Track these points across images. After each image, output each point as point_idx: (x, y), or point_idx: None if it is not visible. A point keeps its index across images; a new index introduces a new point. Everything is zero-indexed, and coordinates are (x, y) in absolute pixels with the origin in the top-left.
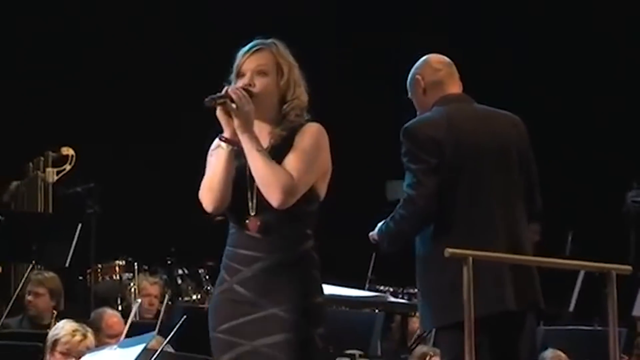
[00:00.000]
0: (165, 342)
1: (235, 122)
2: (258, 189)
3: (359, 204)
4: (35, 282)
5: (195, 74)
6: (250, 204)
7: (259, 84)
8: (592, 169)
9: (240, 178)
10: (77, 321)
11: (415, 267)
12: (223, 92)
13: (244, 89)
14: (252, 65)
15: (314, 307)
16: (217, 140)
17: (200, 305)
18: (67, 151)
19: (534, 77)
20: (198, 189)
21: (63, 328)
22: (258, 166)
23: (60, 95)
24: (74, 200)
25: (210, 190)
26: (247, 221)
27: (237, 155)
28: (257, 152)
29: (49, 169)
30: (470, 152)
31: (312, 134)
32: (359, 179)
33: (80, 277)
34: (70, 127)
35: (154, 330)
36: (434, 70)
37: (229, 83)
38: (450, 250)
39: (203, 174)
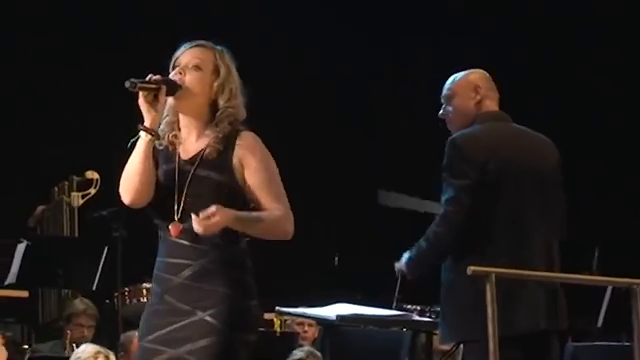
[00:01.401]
0: None
1: (236, 224)
2: (187, 195)
3: (385, 223)
4: (91, 315)
5: None
6: (175, 208)
7: (190, 77)
8: (619, 184)
9: (167, 183)
10: (105, 345)
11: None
12: (148, 78)
13: (165, 80)
14: (189, 57)
15: (241, 312)
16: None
17: None
18: (92, 175)
19: (561, 92)
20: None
21: (84, 351)
22: (258, 232)
23: (85, 119)
24: (99, 224)
25: (126, 180)
26: (169, 226)
27: (166, 159)
28: (252, 224)
29: (74, 193)
30: (511, 172)
31: (256, 147)
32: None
33: (108, 301)
34: (94, 151)
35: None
36: (475, 87)
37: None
38: (473, 267)
39: None
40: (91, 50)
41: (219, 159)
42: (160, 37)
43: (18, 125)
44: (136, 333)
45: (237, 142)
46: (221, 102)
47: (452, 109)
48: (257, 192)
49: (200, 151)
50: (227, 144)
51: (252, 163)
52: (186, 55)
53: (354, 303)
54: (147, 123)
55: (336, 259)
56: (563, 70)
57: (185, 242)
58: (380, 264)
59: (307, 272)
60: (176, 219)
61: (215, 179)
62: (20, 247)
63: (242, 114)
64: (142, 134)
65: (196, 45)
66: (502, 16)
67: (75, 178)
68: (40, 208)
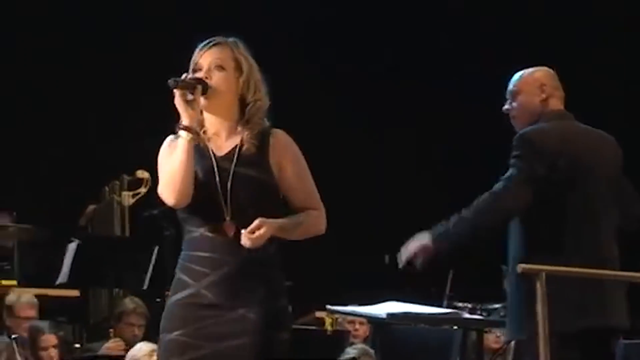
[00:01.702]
0: None
1: (280, 233)
2: (232, 192)
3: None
4: (141, 314)
5: None
6: (225, 208)
7: (216, 77)
8: None
9: (207, 180)
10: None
11: (491, 282)
12: (184, 77)
13: (199, 79)
14: (210, 59)
15: (279, 311)
16: (166, 141)
17: None
18: (143, 174)
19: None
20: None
21: (141, 350)
22: (297, 236)
23: (135, 119)
24: (150, 223)
25: (172, 183)
26: (223, 225)
27: (201, 155)
28: (293, 230)
29: (125, 193)
30: (581, 169)
31: (291, 147)
32: (436, 195)
33: (158, 299)
34: (145, 150)
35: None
36: (541, 84)
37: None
38: (523, 266)
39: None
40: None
41: (257, 156)
42: (160, 37)
43: (70, 125)
44: None
45: (271, 140)
46: (249, 97)
47: (517, 105)
48: (292, 192)
49: (234, 148)
50: (261, 141)
51: (288, 162)
52: (206, 57)
53: (405, 301)
54: (186, 122)
55: (387, 257)
56: (563, 70)
57: (228, 239)
58: (432, 263)
59: (359, 270)
60: (227, 218)
61: (257, 176)
62: (72, 247)
63: (266, 102)
64: (182, 133)
65: (213, 45)
66: (502, 16)
67: (126, 177)
68: (91, 207)
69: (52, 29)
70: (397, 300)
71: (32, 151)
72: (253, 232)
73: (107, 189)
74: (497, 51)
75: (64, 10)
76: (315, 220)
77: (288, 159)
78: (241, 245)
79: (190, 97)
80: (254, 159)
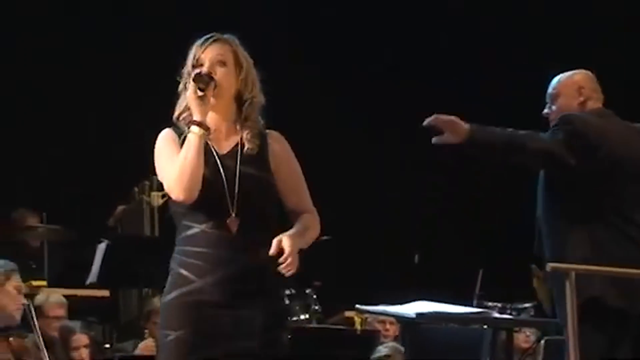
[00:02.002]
0: None
1: (300, 243)
2: (238, 189)
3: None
4: None
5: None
6: (230, 205)
7: (220, 73)
8: None
9: (212, 177)
10: None
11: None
12: (200, 72)
13: (207, 75)
14: (212, 54)
15: (284, 310)
16: (165, 132)
17: (308, 326)
18: None
19: None
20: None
21: None
22: (307, 242)
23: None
24: None
25: (183, 179)
26: (226, 222)
27: (205, 151)
28: (305, 238)
29: (154, 193)
30: (619, 163)
31: (288, 150)
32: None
33: None
34: None
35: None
36: (579, 87)
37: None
38: (552, 265)
39: None
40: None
41: (258, 156)
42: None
43: (98, 125)
44: None
45: (269, 141)
46: (246, 94)
47: (555, 108)
48: (287, 193)
49: (236, 146)
50: (260, 141)
51: (286, 165)
52: (208, 53)
53: (434, 301)
54: (198, 117)
55: (416, 257)
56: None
57: (232, 236)
58: (462, 262)
59: (388, 270)
60: (233, 214)
61: (261, 175)
62: (101, 247)
63: (262, 99)
64: (194, 128)
65: (214, 41)
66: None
67: (155, 178)
68: (120, 208)
69: (52, 29)
70: (427, 299)
71: (61, 152)
72: (284, 258)
73: (136, 189)
74: (497, 51)
75: (64, 10)
76: (315, 224)
77: (284, 160)
78: (245, 243)
79: (200, 92)
80: (256, 158)
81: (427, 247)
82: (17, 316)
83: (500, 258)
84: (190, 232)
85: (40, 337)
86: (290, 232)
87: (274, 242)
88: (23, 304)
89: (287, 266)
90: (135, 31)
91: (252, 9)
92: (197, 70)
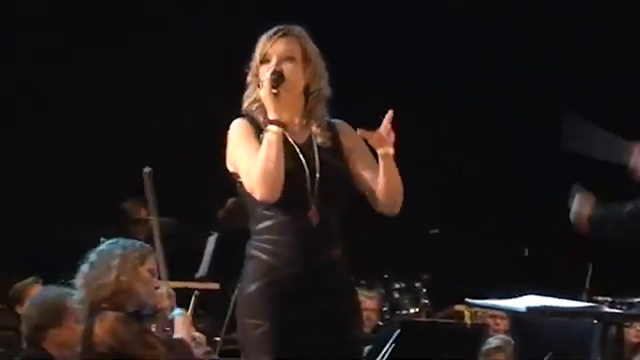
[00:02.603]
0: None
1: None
2: (319, 181)
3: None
4: None
5: None
6: (311, 196)
7: (287, 69)
8: None
9: (294, 168)
10: None
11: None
12: (270, 74)
13: (277, 72)
14: (280, 49)
15: (360, 307)
16: (239, 122)
17: (418, 319)
18: None
19: None
20: (412, 207)
21: None
22: (396, 175)
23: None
24: None
25: (268, 176)
26: (308, 213)
27: (283, 144)
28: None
29: None
30: None
31: (355, 133)
32: None
33: None
34: None
35: (370, 344)
36: None
37: (249, 70)
38: None
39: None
40: None
41: (333, 147)
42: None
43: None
44: None
45: (338, 129)
46: (312, 86)
47: None
48: (368, 171)
49: (309, 138)
50: (331, 132)
51: (358, 145)
52: (275, 48)
53: (545, 295)
54: (273, 115)
55: (526, 250)
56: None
57: (314, 228)
58: (571, 256)
59: (498, 264)
60: (313, 206)
61: (339, 166)
62: (211, 240)
63: (328, 91)
64: (272, 127)
65: (281, 35)
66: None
67: None
68: (231, 200)
69: (52, 29)
70: (537, 293)
71: (173, 146)
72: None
73: None
74: (497, 51)
75: (63, 10)
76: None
77: (355, 142)
78: (325, 234)
79: (274, 90)
80: (331, 150)
81: (537, 240)
82: (150, 300)
83: (611, 251)
84: (271, 221)
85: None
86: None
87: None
88: (156, 287)
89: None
90: (135, 31)
91: (251, 9)
92: (270, 70)
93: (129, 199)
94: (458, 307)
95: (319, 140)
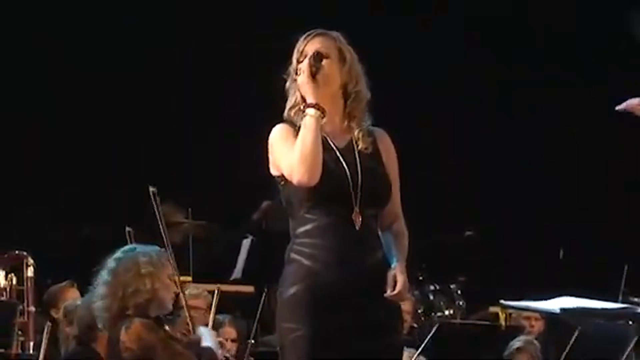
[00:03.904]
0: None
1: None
2: (361, 185)
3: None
4: None
5: None
6: (354, 199)
7: (324, 63)
8: None
9: (335, 169)
10: None
11: None
12: (309, 59)
13: (316, 52)
14: (315, 46)
15: (400, 311)
16: (280, 126)
17: (453, 321)
18: None
19: None
20: (447, 209)
21: None
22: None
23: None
24: None
25: (306, 160)
26: (351, 216)
27: (324, 147)
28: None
29: None
30: None
31: (393, 149)
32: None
33: None
34: None
35: (407, 345)
36: None
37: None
38: None
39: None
40: None
41: (373, 152)
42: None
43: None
44: None
45: (377, 138)
46: (350, 87)
47: None
48: (393, 194)
49: (351, 142)
50: (372, 137)
51: (393, 165)
52: (311, 45)
53: (580, 296)
54: (312, 100)
55: (561, 252)
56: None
57: (356, 231)
58: (607, 257)
59: (533, 265)
60: (356, 209)
61: (380, 170)
62: (246, 243)
63: (367, 94)
64: (310, 111)
65: (317, 35)
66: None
67: None
68: (266, 203)
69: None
70: (572, 295)
71: (210, 150)
72: (398, 297)
73: None
74: (497, 51)
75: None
76: (406, 234)
77: (392, 160)
78: (368, 238)
79: (314, 70)
80: (372, 154)
81: (573, 242)
82: (170, 306)
83: None
84: (313, 224)
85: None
86: (400, 265)
87: (390, 279)
88: (175, 292)
89: (396, 297)
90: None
91: (252, 10)
92: (312, 53)
93: (164, 202)
94: (493, 309)
95: (361, 145)
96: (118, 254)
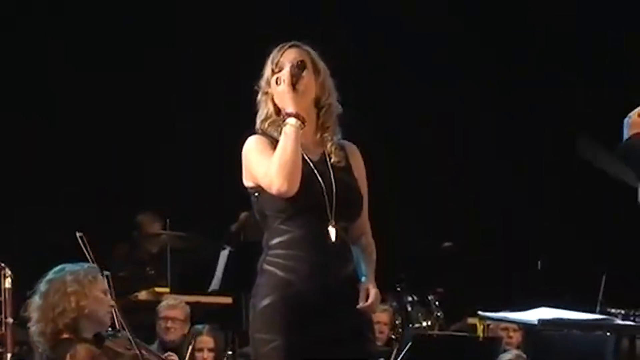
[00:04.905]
0: None
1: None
2: (335, 197)
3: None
4: None
5: None
6: (329, 212)
7: (303, 74)
8: None
9: (310, 181)
10: None
11: None
12: (290, 68)
13: (299, 61)
14: (292, 57)
15: (372, 321)
16: (254, 137)
17: (430, 332)
18: None
19: None
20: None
21: None
22: None
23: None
24: None
25: (284, 167)
26: (326, 228)
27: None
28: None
29: None
30: None
31: (363, 164)
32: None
33: None
34: None
35: (383, 357)
36: None
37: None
38: None
39: None
40: None
41: (345, 165)
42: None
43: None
44: None
45: (348, 150)
46: (322, 99)
47: None
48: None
49: (323, 154)
50: (343, 151)
51: (363, 177)
52: (287, 56)
53: (557, 307)
54: (292, 109)
55: (539, 262)
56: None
57: (331, 244)
58: (585, 268)
59: (511, 276)
60: (332, 221)
61: (354, 185)
62: (224, 254)
63: (339, 108)
64: (290, 120)
65: (291, 46)
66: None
67: None
68: (243, 214)
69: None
70: (550, 306)
71: (186, 160)
72: (369, 308)
73: None
74: (497, 51)
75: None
76: (374, 249)
77: (361, 174)
78: (342, 251)
79: (295, 80)
80: (345, 168)
81: (550, 252)
82: (107, 320)
83: (624, 263)
84: (288, 236)
85: (130, 334)
86: (371, 278)
87: (362, 292)
88: (111, 306)
89: (368, 308)
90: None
91: (251, 10)
92: (295, 62)
93: (143, 212)
94: (471, 320)
95: (333, 158)
96: (49, 275)
